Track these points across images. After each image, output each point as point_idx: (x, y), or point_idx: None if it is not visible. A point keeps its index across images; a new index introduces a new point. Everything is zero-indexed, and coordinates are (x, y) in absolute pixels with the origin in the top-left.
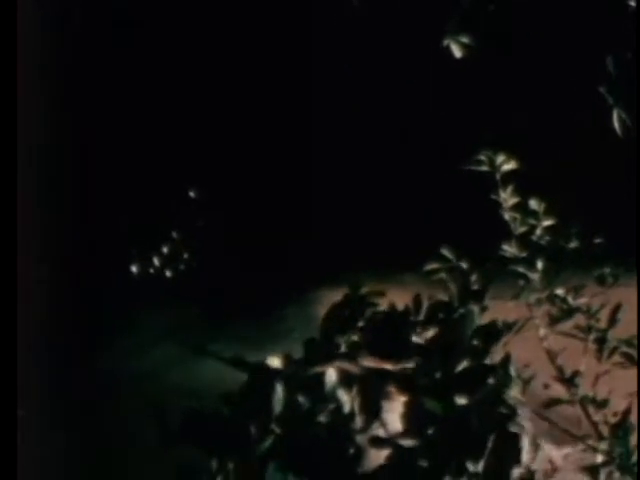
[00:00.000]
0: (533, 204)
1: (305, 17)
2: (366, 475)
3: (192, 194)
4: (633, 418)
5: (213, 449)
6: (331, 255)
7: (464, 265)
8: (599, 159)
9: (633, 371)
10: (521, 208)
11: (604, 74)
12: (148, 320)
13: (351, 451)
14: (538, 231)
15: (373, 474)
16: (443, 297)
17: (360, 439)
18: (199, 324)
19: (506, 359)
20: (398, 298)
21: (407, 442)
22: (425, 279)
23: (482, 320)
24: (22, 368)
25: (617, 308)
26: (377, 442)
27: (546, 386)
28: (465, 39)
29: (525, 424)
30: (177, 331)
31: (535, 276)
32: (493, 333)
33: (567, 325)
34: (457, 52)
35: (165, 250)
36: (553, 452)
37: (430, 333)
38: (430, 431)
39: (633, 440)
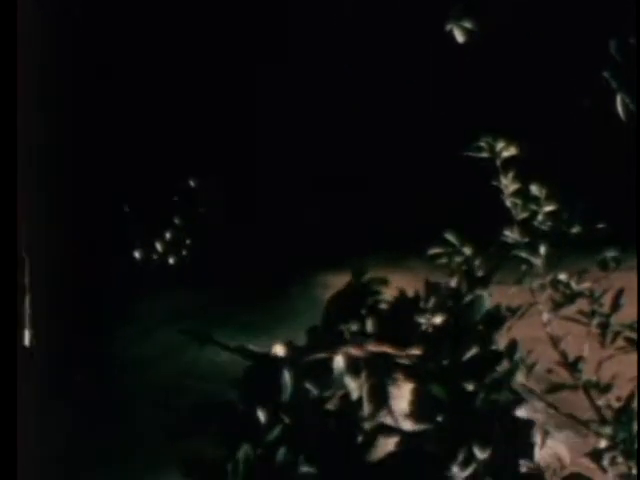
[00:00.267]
0: (534, 190)
1: (305, 10)
2: (374, 462)
3: (193, 180)
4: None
5: (222, 438)
6: (335, 239)
7: (468, 250)
8: (602, 143)
9: (636, 356)
10: (522, 194)
11: (607, 58)
12: (151, 306)
13: (359, 439)
14: (540, 217)
15: (381, 461)
16: (447, 282)
17: (368, 426)
18: (202, 310)
19: (512, 345)
20: (402, 283)
21: (415, 429)
22: (429, 264)
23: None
24: (23, 356)
25: (620, 293)
26: (385, 430)
27: (549, 371)
28: (468, 24)
29: (538, 416)
30: (180, 317)
31: (538, 261)
32: (497, 318)
33: (570, 310)
34: (460, 37)
35: (168, 236)
36: (560, 448)
37: (438, 319)
38: (438, 418)
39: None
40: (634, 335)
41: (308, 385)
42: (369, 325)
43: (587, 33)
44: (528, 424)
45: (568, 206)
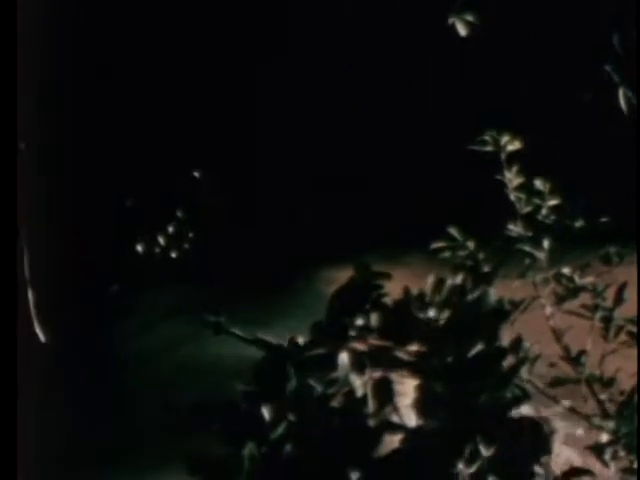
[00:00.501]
0: (538, 184)
1: (305, 7)
2: (379, 459)
3: (197, 173)
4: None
5: (226, 436)
6: (336, 235)
7: (471, 245)
8: (605, 137)
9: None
10: (526, 188)
11: (610, 52)
12: (153, 300)
13: (364, 436)
14: (544, 210)
15: (386, 458)
16: (449, 278)
17: (373, 423)
18: (204, 304)
19: (517, 341)
20: (402, 279)
21: (420, 426)
22: (430, 259)
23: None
24: (24, 349)
25: (623, 287)
26: (390, 427)
27: (552, 365)
28: (470, 17)
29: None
30: (182, 311)
31: (541, 255)
32: (502, 314)
33: (573, 304)
34: (462, 30)
35: (170, 230)
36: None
37: (443, 315)
38: (443, 415)
39: None
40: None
41: (312, 382)
42: (373, 320)
43: (589, 27)
44: (535, 423)
45: (572, 200)
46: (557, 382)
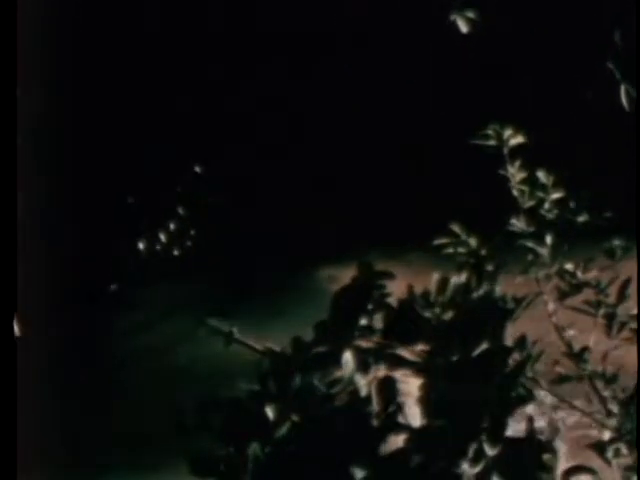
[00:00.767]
0: (541, 176)
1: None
2: (383, 459)
3: (198, 170)
4: None
5: (230, 436)
6: (338, 232)
7: (473, 242)
8: (608, 131)
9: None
10: (529, 181)
11: (612, 48)
12: (154, 296)
13: (368, 435)
14: (547, 204)
15: (390, 458)
16: (452, 275)
17: (377, 423)
18: (205, 300)
19: (522, 340)
20: (405, 277)
21: (424, 426)
22: (430, 257)
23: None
24: (24, 345)
25: (626, 283)
26: (394, 426)
27: (556, 362)
28: (471, 14)
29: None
30: (183, 307)
31: (544, 251)
32: (506, 311)
33: (576, 300)
34: (463, 27)
35: (172, 227)
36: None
37: (448, 315)
38: (447, 415)
39: None
40: None
41: (316, 381)
42: (377, 320)
43: (591, 22)
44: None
45: (575, 194)
46: (560, 379)
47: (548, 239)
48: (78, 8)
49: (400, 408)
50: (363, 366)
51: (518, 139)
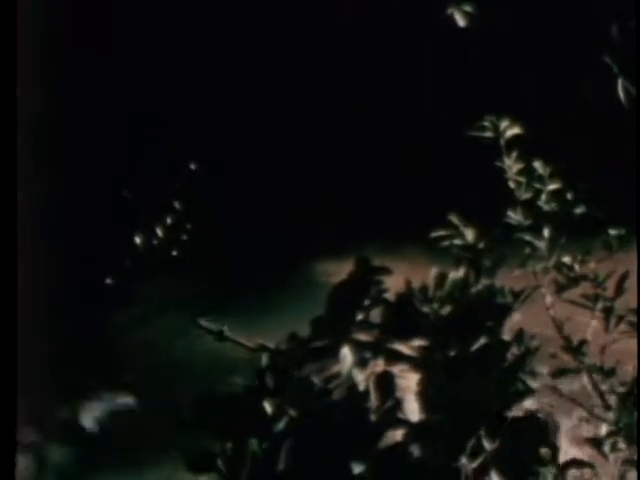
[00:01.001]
0: (538, 166)
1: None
2: (382, 454)
3: (195, 165)
4: None
5: (228, 431)
6: (336, 226)
7: (470, 234)
8: (605, 124)
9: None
10: (526, 172)
11: (609, 42)
12: (151, 292)
13: (367, 430)
14: (544, 196)
15: (389, 453)
16: (450, 270)
17: (375, 418)
18: (202, 296)
19: (519, 334)
20: (403, 270)
21: (423, 421)
22: (427, 250)
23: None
24: (22, 338)
25: (624, 277)
26: (392, 421)
27: (553, 356)
28: (468, 8)
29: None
30: (180, 303)
31: (541, 244)
32: (504, 306)
33: (574, 293)
34: (461, 21)
35: (168, 221)
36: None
37: (446, 310)
38: (446, 410)
39: None
40: None
41: (314, 376)
42: (374, 316)
43: (589, 16)
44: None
45: (572, 186)
46: (558, 372)
47: (545, 232)
48: (78, 7)
49: (399, 403)
50: (361, 361)
51: (514, 130)
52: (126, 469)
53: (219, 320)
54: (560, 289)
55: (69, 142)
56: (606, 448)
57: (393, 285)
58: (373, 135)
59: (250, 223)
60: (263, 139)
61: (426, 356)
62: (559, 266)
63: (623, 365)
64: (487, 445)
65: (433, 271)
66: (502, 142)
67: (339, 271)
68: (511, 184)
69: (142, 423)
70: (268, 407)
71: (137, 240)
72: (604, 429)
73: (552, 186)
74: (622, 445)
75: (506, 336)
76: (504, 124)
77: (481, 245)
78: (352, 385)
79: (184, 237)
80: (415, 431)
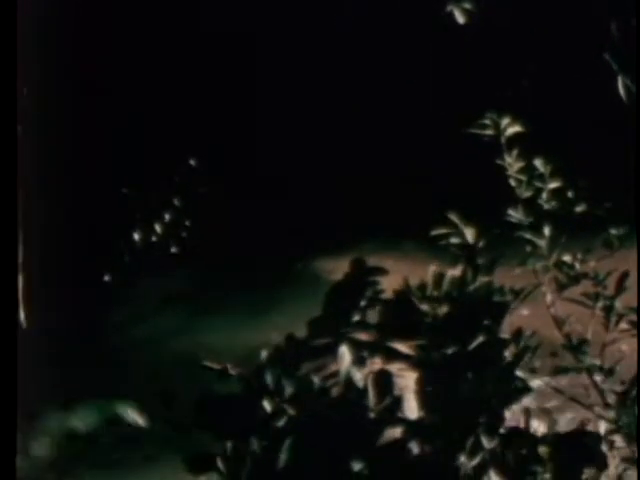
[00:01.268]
0: (539, 164)
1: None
2: (380, 452)
3: (193, 161)
4: None
5: (227, 431)
6: (335, 224)
7: (469, 233)
8: (606, 120)
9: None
10: (527, 170)
11: (609, 39)
12: (150, 287)
13: (365, 428)
14: (544, 194)
15: (387, 451)
16: (449, 268)
17: (373, 416)
18: (201, 293)
19: (518, 332)
20: (402, 267)
21: (421, 419)
22: (427, 248)
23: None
24: (22, 336)
25: (624, 275)
26: (391, 420)
27: (553, 354)
28: (468, 5)
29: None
30: (179, 300)
31: (542, 242)
32: (502, 304)
33: (575, 291)
34: (460, 18)
35: (167, 218)
36: None
37: (444, 309)
38: (444, 408)
39: None
40: None
41: (312, 375)
42: (371, 317)
43: (589, 13)
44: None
45: (573, 184)
46: (558, 371)
47: (546, 230)
48: (78, 7)
49: (397, 401)
50: (359, 359)
51: (515, 128)
52: (122, 470)
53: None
54: (560, 287)
55: (67, 138)
56: (605, 446)
57: (392, 283)
58: (372, 132)
59: (249, 220)
60: (263, 135)
61: (424, 354)
62: (559, 264)
63: (623, 363)
64: (486, 443)
65: (431, 269)
66: (503, 140)
67: (340, 268)
68: (512, 182)
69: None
70: (267, 406)
71: (136, 237)
72: (603, 427)
73: (553, 184)
74: (621, 443)
75: (505, 334)
76: (505, 122)
77: (481, 244)
78: (350, 383)
79: (183, 234)
80: (414, 429)
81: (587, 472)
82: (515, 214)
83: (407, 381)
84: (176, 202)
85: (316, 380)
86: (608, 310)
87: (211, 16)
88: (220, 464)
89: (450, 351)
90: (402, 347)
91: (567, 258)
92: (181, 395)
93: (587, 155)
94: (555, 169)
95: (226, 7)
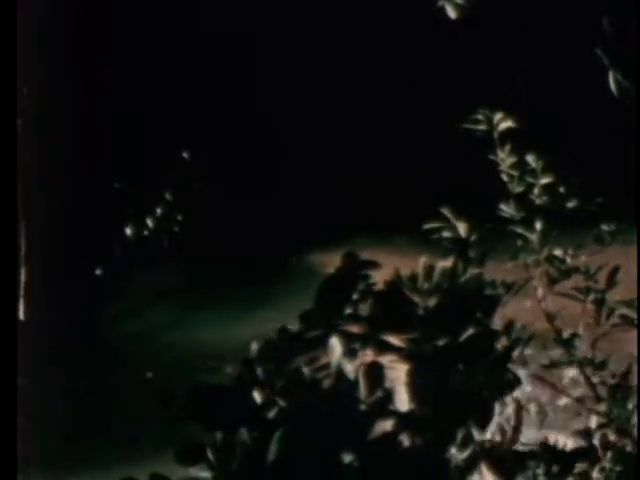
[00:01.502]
0: (531, 160)
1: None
2: (371, 445)
3: (185, 155)
4: (632, 380)
5: (217, 422)
6: (328, 216)
7: (461, 227)
8: (599, 117)
9: (633, 333)
10: (519, 166)
11: (601, 35)
12: (142, 282)
13: (356, 421)
14: (536, 190)
15: (378, 443)
16: (440, 260)
17: (364, 408)
18: (194, 287)
19: (509, 325)
20: (394, 260)
21: (412, 411)
22: (418, 242)
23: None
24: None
25: (615, 270)
26: (382, 412)
27: (545, 348)
28: (460, 0)
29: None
30: (171, 294)
31: (533, 236)
32: (493, 297)
33: (566, 285)
34: (452, 13)
35: (159, 212)
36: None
37: (434, 301)
38: (435, 400)
39: (632, 402)
40: (631, 312)
41: (303, 367)
42: (363, 310)
43: (582, 9)
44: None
45: (564, 179)
46: (550, 365)
47: (537, 225)
48: (77, 7)
49: (388, 393)
50: (350, 351)
51: (508, 123)
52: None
53: (210, 311)
54: (552, 282)
55: (59, 133)
56: (596, 440)
57: (385, 277)
58: (366, 128)
59: (242, 214)
60: (256, 130)
61: (415, 347)
62: (551, 259)
63: (614, 357)
64: (477, 435)
65: (421, 261)
66: (495, 135)
67: (334, 263)
68: (504, 177)
69: (132, 414)
70: (258, 397)
71: (127, 231)
72: (594, 421)
73: (545, 180)
74: (612, 437)
75: (497, 327)
76: (497, 117)
77: (473, 238)
78: (342, 375)
79: (175, 228)
80: (405, 421)
81: (579, 466)
82: (507, 209)
83: (398, 373)
84: (168, 197)
85: (307, 372)
86: (599, 304)
87: (211, 16)
88: (210, 455)
89: (441, 343)
90: (393, 339)
91: (558, 252)
92: (173, 388)
93: (579, 151)
94: (547, 165)
95: (226, 7)
